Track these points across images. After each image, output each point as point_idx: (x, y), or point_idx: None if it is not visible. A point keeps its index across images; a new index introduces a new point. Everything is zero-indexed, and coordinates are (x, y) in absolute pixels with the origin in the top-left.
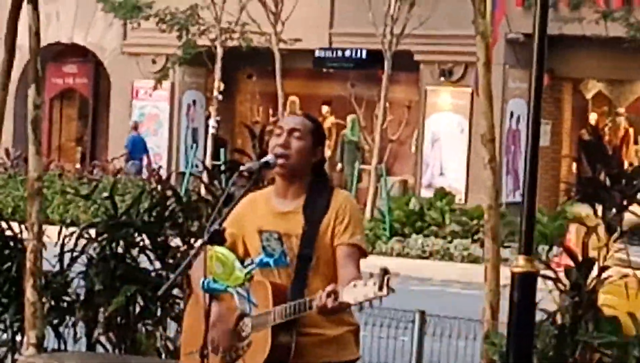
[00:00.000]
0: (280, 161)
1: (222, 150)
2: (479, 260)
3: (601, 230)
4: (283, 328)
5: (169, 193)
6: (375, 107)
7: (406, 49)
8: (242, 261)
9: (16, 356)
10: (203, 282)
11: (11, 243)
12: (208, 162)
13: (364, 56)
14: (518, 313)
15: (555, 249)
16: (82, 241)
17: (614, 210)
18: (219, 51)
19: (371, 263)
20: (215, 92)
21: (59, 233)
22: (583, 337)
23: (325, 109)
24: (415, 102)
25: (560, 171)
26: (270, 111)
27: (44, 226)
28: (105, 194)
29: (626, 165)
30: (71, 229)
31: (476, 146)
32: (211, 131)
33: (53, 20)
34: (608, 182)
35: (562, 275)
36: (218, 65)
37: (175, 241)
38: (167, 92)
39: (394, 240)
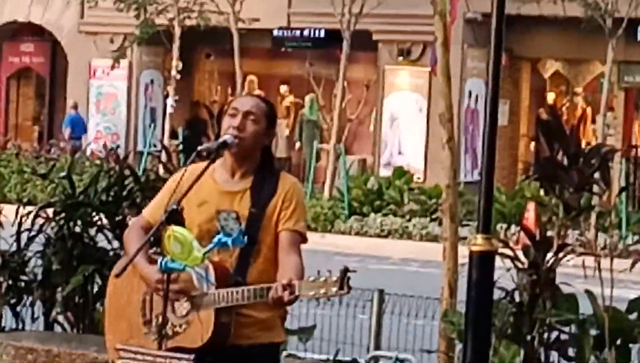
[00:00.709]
0: (236, 142)
1: (179, 129)
2: (438, 239)
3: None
4: (224, 310)
5: (127, 172)
6: (334, 86)
7: (365, 28)
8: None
9: None
10: (161, 262)
11: None
12: (166, 141)
13: (322, 35)
14: (476, 291)
15: (513, 228)
16: (40, 221)
17: (571, 189)
18: (177, 30)
19: (330, 242)
20: (174, 72)
21: (16, 212)
22: (541, 314)
23: (283, 88)
24: (373, 82)
25: (518, 151)
26: (229, 91)
27: (1, 206)
28: (63, 173)
29: (584, 145)
30: (28, 208)
31: (434, 125)
32: (169, 110)
33: None
34: (566, 161)
35: (520, 254)
36: (176, 44)
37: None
38: (125, 71)
39: (353, 218)
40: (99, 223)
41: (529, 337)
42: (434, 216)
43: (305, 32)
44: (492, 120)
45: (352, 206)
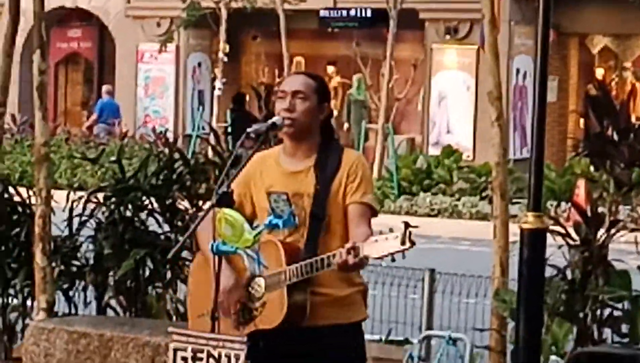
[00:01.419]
0: (287, 123)
1: (228, 112)
2: (488, 217)
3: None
4: (297, 288)
5: (177, 155)
6: (381, 66)
7: (411, 7)
8: (250, 222)
9: (27, 321)
10: (212, 245)
11: (20, 209)
12: (214, 124)
13: (368, 14)
14: (528, 269)
15: (563, 205)
16: (91, 206)
17: (622, 165)
18: (224, 13)
19: (380, 222)
20: (221, 54)
21: (67, 197)
22: (593, 291)
23: (330, 69)
24: (421, 61)
25: (567, 127)
26: (276, 72)
27: (52, 191)
28: (113, 158)
29: (634, 120)
30: (79, 193)
31: (483, 103)
32: (217, 93)
33: None
34: (616, 137)
35: (571, 231)
36: (223, 27)
37: (183, 204)
38: (173, 55)
39: (402, 198)
40: (149, 207)
41: (581, 314)
42: (483, 195)
43: (352, 12)
44: (540, 97)
45: (401, 185)
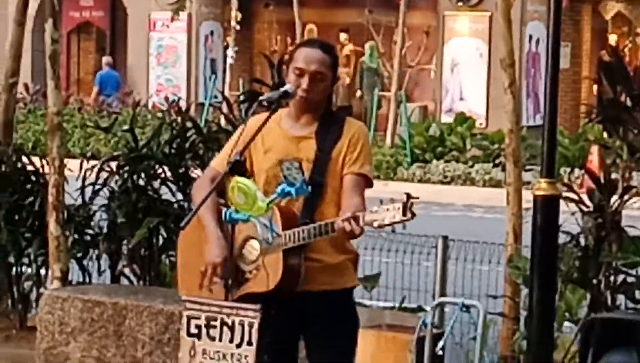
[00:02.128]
0: (301, 101)
1: (240, 80)
2: (501, 184)
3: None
4: (292, 253)
5: (189, 124)
6: (394, 33)
7: None
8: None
9: (41, 290)
10: (225, 213)
11: (33, 178)
12: (227, 92)
13: None
14: (541, 236)
15: (577, 171)
16: (104, 175)
17: (635, 131)
18: None
19: (393, 190)
20: (233, 22)
21: (80, 166)
22: (607, 258)
23: (343, 36)
24: (433, 28)
25: (580, 93)
26: (288, 40)
27: (65, 160)
28: (126, 126)
29: None
30: (92, 162)
31: (496, 70)
32: (229, 61)
33: None
34: (629, 103)
35: (584, 197)
36: None
37: (196, 173)
38: (185, 23)
39: (415, 166)
40: (162, 175)
41: (595, 281)
42: (496, 162)
43: None
44: (553, 63)
45: (414, 153)
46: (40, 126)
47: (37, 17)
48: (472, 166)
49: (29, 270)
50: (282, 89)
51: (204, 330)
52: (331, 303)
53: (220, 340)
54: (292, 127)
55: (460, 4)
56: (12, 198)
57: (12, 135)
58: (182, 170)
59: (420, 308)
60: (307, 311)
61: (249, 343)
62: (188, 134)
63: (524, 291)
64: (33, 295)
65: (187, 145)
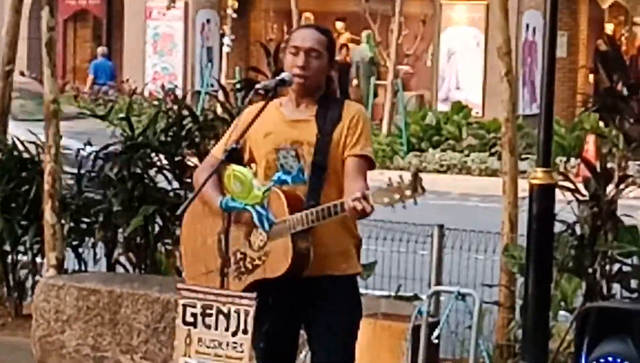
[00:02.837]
0: (300, 80)
1: (237, 68)
2: (497, 173)
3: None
4: (301, 237)
5: (185, 112)
6: (390, 22)
7: None
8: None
9: (37, 278)
10: (221, 201)
11: (29, 166)
12: (223, 80)
13: None
14: (537, 225)
15: (573, 160)
16: (100, 163)
17: (631, 120)
18: None
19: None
20: (229, 10)
21: (76, 154)
22: (602, 247)
23: (339, 25)
24: (430, 17)
25: (577, 83)
26: (285, 28)
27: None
28: (122, 115)
29: None
30: (88, 150)
31: (492, 59)
32: (225, 49)
33: None
34: (625, 92)
35: (580, 186)
36: None
37: (193, 161)
38: (181, 11)
39: (411, 154)
40: (158, 163)
41: (590, 270)
42: (493, 151)
43: None
44: (550, 52)
45: (410, 142)
46: None
47: (34, 5)
48: (468, 155)
49: (25, 258)
50: (278, 77)
51: (199, 319)
52: (335, 289)
53: (216, 328)
54: (292, 111)
55: None
56: (8, 186)
57: (8, 123)
58: (178, 158)
59: (416, 297)
60: (310, 297)
61: (245, 332)
62: (184, 123)
63: (520, 280)
64: (29, 283)
65: (183, 133)
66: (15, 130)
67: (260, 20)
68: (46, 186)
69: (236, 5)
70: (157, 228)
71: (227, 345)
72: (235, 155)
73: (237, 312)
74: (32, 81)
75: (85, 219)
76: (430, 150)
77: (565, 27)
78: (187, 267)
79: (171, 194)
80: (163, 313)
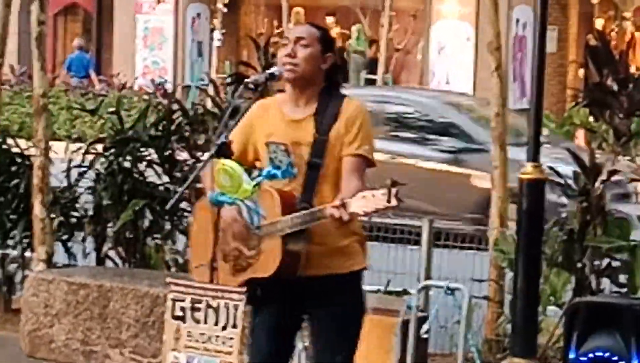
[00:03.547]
0: (288, 68)
1: (227, 63)
2: None
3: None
4: (293, 237)
5: (175, 106)
6: (381, 16)
7: None
8: (252, 169)
9: (26, 272)
10: (210, 195)
11: (18, 160)
12: (213, 75)
13: None
14: (527, 219)
15: None
16: (89, 157)
17: (621, 115)
18: None
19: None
20: (220, 5)
21: (66, 149)
22: (592, 241)
23: (330, 19)
24: (420, 11)
25: (567, 77)
26: (275, 23)
27: (51, 143)
28: (111, 109)
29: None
30: (78, 144)
31: (482, 53)
32: (216, 44)
33: None
34: (615, 87)
35: (570, 181)
36: None
37: (182, 155)
38: (171, 5)
39: None
40: (148, 158)
41: (579, 264)
42: None
43: None
44: (540, 47)
45: None
46: (26, 108)
47: None
48: None
49: (14, 252)
50: (268, 71)
51: (188, 313)
52: (337, 286)
53: (205, 322)
54: (292, 111)
55: None
56: None
57: None
58: (168, 152)
59: (405, 292)
60: (312, 296)
61: (234, 326)
62: (174, 117)
63: (509, 274)
64: (18, 277)
65: (173, 128)
66: None
67: (250, 15)
68: (36, 180)
69: None
70: (146, 223)
71: (217, 339)
72: (224, 149)
73: (227, 306)
74: None
75: (75, 214)
76: None
77: (555, 22)
78: (194, 251)
79: (161, 188)
80: (152, 307)
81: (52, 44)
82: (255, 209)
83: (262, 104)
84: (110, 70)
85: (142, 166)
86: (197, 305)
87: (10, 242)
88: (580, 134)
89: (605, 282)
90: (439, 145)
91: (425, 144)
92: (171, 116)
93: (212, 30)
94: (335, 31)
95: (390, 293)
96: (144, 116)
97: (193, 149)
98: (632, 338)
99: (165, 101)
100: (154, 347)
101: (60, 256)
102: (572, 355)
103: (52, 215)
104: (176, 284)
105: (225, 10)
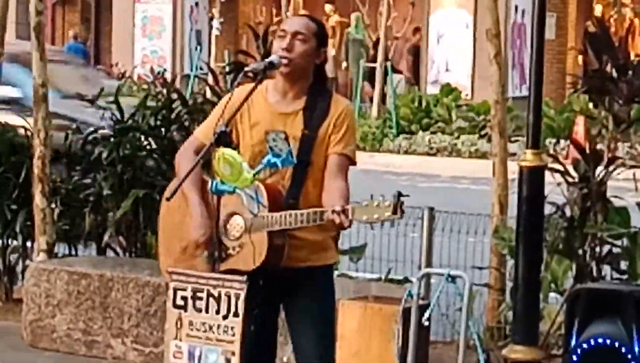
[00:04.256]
0: (284, 63)
1: (226, 52)
2: (487, 155)
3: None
4: (277, 232)
5: (175, 95)
6: (379, 4)
7: None
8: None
9: (27, 262)
10: (211, 184)
11: (19, 150)
12: (212, 64)
13: None
14: (527, 207)
15: (562, 142)
16: (89, 146)
17: (620, 102)
18: None
19: (379, 161)
20: None
21: (66, 138)
22: (592, 228)
23: (328, 7)
24: None
25: (566, 64)
26: (274, 11)
27: (51, 132)
28: (111, 98)
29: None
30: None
31: (481, 41)
32: (214, 32)
33: None
34: (615, 73)
35: (570, 168)
36: None
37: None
38: None
39: (401, 137)
40: (147, 147)
41: (580, 252)
42: (482, 133)
43: None
44: (539, 34)
45: (400, 124)
46: None
47: None
48: (457, 138)
49: (15, 243)
50: (267, 60)
51: (190, 302)
52: (314, 277)
53: (207, 311)
54: (279, 102)
55: None
56: None
57: None
58: (167, 141)
59: (406, 280)
60: (290, 285)
61: (236, 315)
62: (173, 106)
63: (510, 262)
64: (19, 268)
65: (172, 116)
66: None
67: (249, 4)
68: (36, 170)
69: None
70: (147, 212)
71: (218, 328)
72: (224, 138)
73: (228, 295)
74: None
75: (75, 203)
76: (420, 133)
77: (554, 8)
78: (163, 246)
79: (160, 177)
80: (154, 296)
81: (50, 34)
82: (256, 198)
83: (245, 89)
84: (109, 59)
85: (141, 155)
86: (198, 294)
87: (11, 232)
88: (580, 121)
89: (606, 269)
90: None
91: None
92: (170, 105)
93: (210, 19)
94: (334, 19)
95: (391, 281)
96: (143, 105)
97: None
98: (633, 324)
99: (164, 90)
100: (156, 336)
101: (61, 246)
102: (573, 342)
103: (53, 205)
104: (177, 273)
105: None
